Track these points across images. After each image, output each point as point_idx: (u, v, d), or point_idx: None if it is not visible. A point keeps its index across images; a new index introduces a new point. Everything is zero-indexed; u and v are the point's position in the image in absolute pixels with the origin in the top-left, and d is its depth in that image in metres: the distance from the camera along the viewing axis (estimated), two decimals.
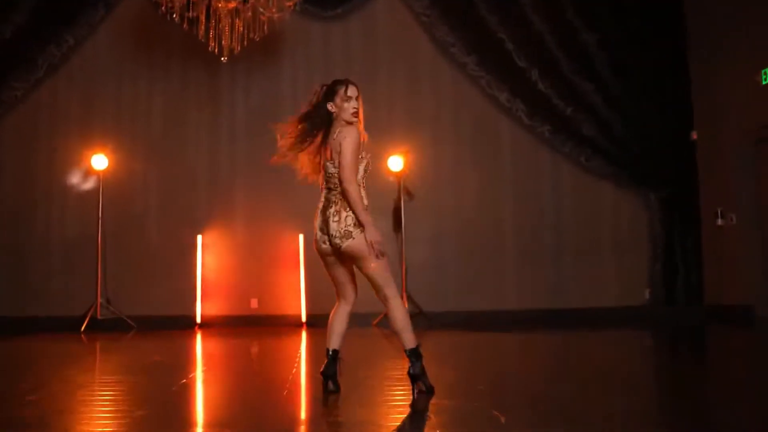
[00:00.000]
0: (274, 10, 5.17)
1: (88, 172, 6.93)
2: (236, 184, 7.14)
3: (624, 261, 7.04)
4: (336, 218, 3.15)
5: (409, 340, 3.06)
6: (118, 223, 6.97)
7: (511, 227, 7.09)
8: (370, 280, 3.14)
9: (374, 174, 6.96)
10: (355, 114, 3.26)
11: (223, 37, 5.25)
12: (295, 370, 4.06)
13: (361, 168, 3.22)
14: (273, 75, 7.16)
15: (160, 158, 7.08)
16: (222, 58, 5.41)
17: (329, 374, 3.16)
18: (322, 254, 3.22)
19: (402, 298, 6.71)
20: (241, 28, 5.25)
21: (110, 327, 6.62)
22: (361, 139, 3.23)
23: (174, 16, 5.11)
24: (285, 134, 3.28)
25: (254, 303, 6.97)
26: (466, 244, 7.04)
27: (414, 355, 3.05)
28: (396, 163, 6.88)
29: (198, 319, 6.83)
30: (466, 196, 7.12)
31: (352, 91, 3.26)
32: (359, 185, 3.18)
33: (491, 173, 7.15)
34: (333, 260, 3.23)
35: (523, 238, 7.07)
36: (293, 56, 7.20)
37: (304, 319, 6.81)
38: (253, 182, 7.09)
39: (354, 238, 3.10)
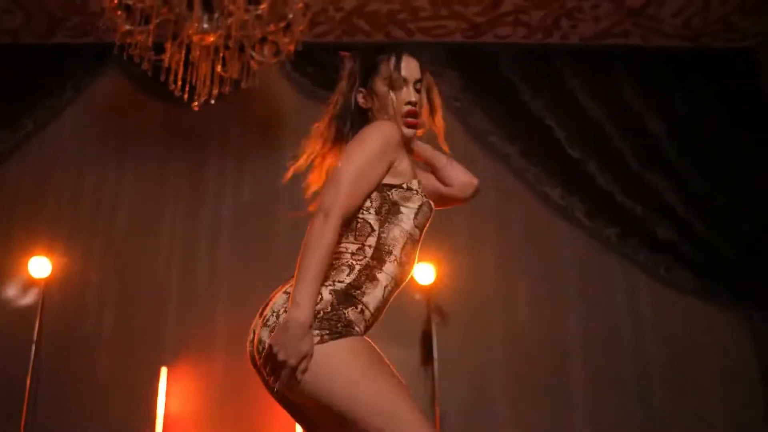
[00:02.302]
0: (269, 54, 3.88)
1: (28, 282, 5.37)
2: (217, 302, 5.51)
3: (732, 398, 5.25)
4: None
5: None
6: (61, 347, 5.27)
7: (579, 356, 5.37)
8: None
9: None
10: (413, 118, 1.78)
11: (196, 80, 3.92)
12: None
13: (409, 211, 1.71)
14: (271, 166, 5.79)
15: (122, 266, 5.52)
16: (193, 105, 4.04)
17: None
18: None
19: None
20: (219, 68, 3.91)
21: None
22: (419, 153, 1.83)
23: (133, 57, 3.81)
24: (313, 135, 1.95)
25: None
26: (521, 380, 5.29)
27: None
28: (425, 274, 5.33)
29: None
30: (517, 315, 5.49)
31: (409, 67, 1.78)
32: (370, 228, 1.69)
33: (548, 287, 5.56)
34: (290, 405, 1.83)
35: (595, 371, 5.33)
36: (296, 145, 5.90)
37: None
38: (238, 300, 5.40)
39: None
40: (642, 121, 5.87)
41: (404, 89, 1.78)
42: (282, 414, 5.11)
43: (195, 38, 3.65)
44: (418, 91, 1.83)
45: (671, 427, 5.17)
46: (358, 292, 1.63)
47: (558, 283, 5.57)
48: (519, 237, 5.70)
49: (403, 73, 1.77)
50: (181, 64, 3.80)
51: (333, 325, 1.56)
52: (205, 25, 3.62)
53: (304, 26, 3.88)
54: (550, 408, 5.23)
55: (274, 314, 1.61)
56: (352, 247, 1.68)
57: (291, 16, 3.63)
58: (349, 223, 1.69)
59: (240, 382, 5.21)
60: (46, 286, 5.29)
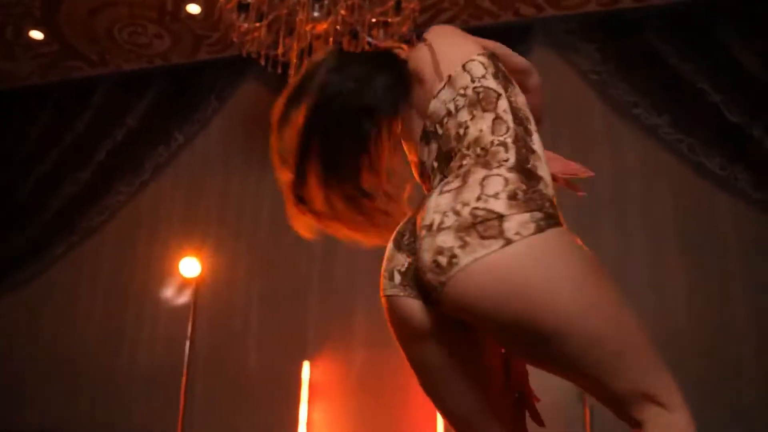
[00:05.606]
0: (381, 36, 3.84)
1: (182, 283, 5.77)
2: (356, 301, 5.55)
3: None
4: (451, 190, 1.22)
5: None
6: (213, 343, 5.61)
7: (752, 344, 4.71)
8: (580, 369, 1.15)
9: None
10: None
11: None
12: None
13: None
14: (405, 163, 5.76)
15: (265, 266, 5.76)
16: None
17: None
18: (402, 332, 1.34)
19: None
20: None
21: None
22: None
23: (258, 58, 3.97)
24: None
25: None
26: (677, 369, 4.74)
27: None
28: None
29: None
30: (669, 305, 4.93)
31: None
32: None
33: (708, 270, 4.94)
34: (432, 346, 1.27)
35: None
36: None
37: None
38: (377, 299, 5.46)
39: (512, 242, 1.13)
40: None
41: None
42: (416, 397, 4.99)
43: (307, 27, 3.70)
44: None
45: None
46: (530, 165, 1.24)
47: (719, 264, 4.92)
48: (671, 216, 5.14)
49: None
50: (295, 56, 3.88)
51: (541, 205, 1.18)
52: (316, 14, 3.66)
53: (414, 3, 3.78)
54: (715, 415, 4.62)
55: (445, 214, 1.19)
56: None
57: None
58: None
59: (377, 374, 5.23)
60: (198, 285, 5.66)
